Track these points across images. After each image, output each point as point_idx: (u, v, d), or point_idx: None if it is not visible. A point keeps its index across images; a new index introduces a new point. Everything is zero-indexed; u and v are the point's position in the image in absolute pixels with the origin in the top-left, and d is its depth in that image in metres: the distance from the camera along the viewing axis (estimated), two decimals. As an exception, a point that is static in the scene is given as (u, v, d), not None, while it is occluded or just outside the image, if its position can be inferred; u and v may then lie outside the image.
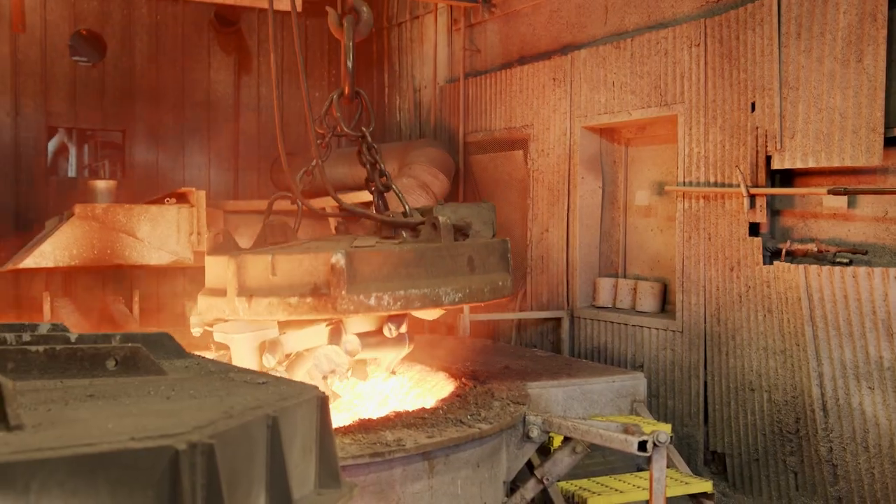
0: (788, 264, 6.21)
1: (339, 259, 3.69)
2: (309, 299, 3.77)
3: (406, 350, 5.30)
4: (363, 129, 4.97)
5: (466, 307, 8.20)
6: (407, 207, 4.36)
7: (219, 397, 1.97)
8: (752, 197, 6.58)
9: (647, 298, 7.92)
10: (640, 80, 7.68)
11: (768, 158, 6.49)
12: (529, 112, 9.11)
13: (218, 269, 4.37)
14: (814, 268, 5.90)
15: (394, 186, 4.82)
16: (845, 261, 6.03)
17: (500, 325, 9.40)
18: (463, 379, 5.91)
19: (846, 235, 6.20)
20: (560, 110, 8.66)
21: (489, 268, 4.34)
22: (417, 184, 9.51)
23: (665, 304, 7.95)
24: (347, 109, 5.39)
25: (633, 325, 7.79)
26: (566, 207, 8.60)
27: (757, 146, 6.56)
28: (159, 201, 8.42)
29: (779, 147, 6.35)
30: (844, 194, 6.02)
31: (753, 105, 6.59)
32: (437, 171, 9.68)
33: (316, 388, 2.25)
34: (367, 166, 5.08)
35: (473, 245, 4.31)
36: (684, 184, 7.20)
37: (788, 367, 6.29)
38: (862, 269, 5.57)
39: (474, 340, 8.07)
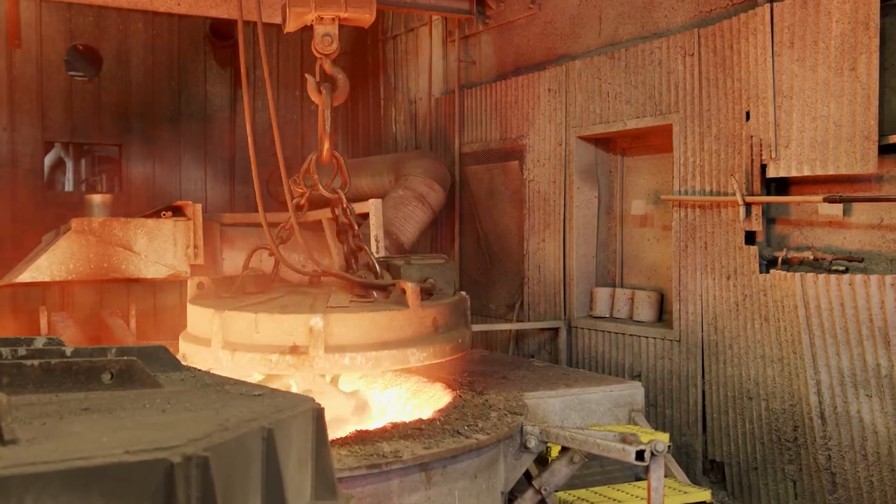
0: (785, 272, 6.22)
1: (317, 322, 4.11)
2: (288, 357, 4.19)
3: None
4: (338, 189, 5.37)
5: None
6: (377, 269, 4.90)
7: (214, 410, 1.97)
8: (748, 205, 6.59)
9: (645, 308, 7.92)
10: (634, 89, 7.71)
11: (763, 167, 6.51)
12: (525, 123, 9.13)
13: (202, 318, 4.70)
14: (810, 276, 5.91)
15: (365, 247, 5.31)
16: (841, 268, 6.04)
17: (498, 335, 9.40)
18: (460, 390, 5.91)
19: (842, 243, 6.21)
20: (555, 121, 8.68)
21: (450, 326, 4.90)
22: (413, 195, 9.51)
23: (662, 313, 7.95)
24: (325, 170, 5.76)
25: (631, 335, 7.80)
26: (562, 217, 8.61)
27: (752, 155, 6.57)
28: (156, 215, 8.43)
29: (774, 155, 6.37)
30: (839, 202, 6.03)
31: (748, 114, 6.61)
32: (432, 182, 9.69)
33: (312, 399, 2.25)
34: (342, 227, 5.49)
35: (437, 307, 4.87)
36: (680, 193, 7.22)
37: (786, 375, 6.29)
38: (858, 277, 5.58)
39: (472, 351, 8.06)
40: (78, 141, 11.68)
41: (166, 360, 2.50)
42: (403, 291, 4.55)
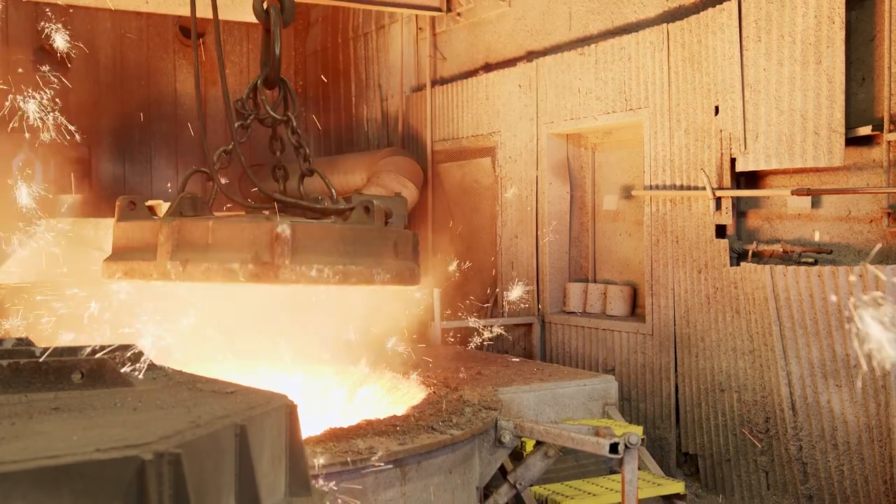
0: (755, 265, 6.27)
1: (284, 229, 3.67)
2: (251, 266, 3.65)
3: None
4: (289, 113, 4.83)
5: (437, 315, 8.21)
6: (333, 192, 4.38)
7: (186, 407, 1.96)
8: (718, 199, 6.65)
9: (617, 302, 7.96)
10: (604, 85, 7.74)
11: (733, 160, 6.56)
12: (496, 119, 9.15)
13: (138, 233, 4.14)
14: (780, 268, 5.97)
15: (317, 169, 4.72)
16: (810, 260, 6.11)
17: (472, 331, 9.41)
18: (434, 386, 5.91)
19: (811, 235, 6.28)
20: (526, 117, 8.70)
21: (406, 255, 4.52)
22: (386, 193, 9.50)
23: (635, 307, 8.00)
24: (270, 96, 5.26)
25: (604, 329, 7.84)
26: (535, 213, 8.63)
27: (721, 149, 6.63)
28: (126, 215, 8.35)
29: (743, 149, 6.42)
30: (807, 195, 6.10)
31: (717, 108, 6.66)
32: (405, 179, 9.69)
33: (285, 396, 2.25)
34: (294, 149, 4.93)
35: (398, 232, 4.49)
36: (651, 187, 7.26)
37: (757, 367, 6.35)
38: (827, 269, 5.65)
39: (446, 347, 8.08)
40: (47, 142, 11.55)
41: (137, 357, 2.49)
42: (367, 210, 4.09)
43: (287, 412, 2.17)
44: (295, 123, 4.93)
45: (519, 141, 8.84)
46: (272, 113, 4.87)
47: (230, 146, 4.76)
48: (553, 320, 8.46)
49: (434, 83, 10.27)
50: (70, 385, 2.09)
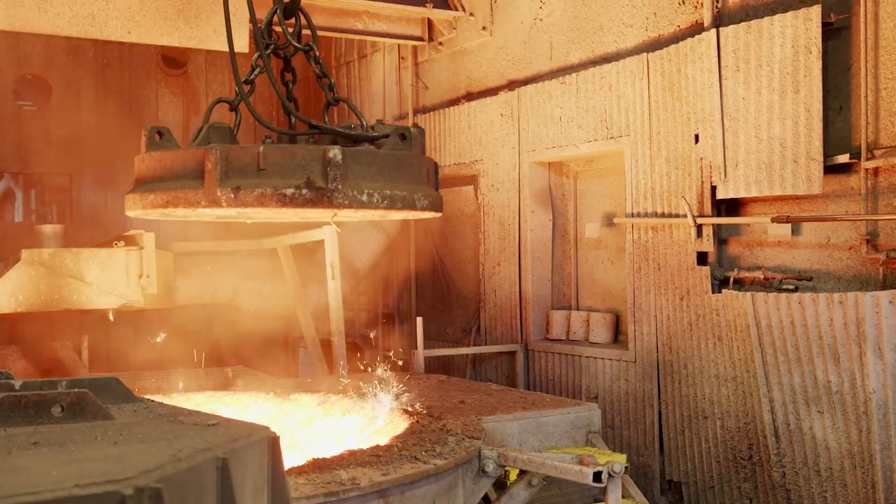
0: (736, 292, 6.30)
1: (336, 154, 3.64)
2: (305, 191, 3.58)
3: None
4: (311, 43, 4.65)
5: (420, 343, 8.21)
6: (363, 121, 4.30)
7: (167, 441, 1.95)
8: (699, 226, 6.69)
9: (600, 330, 7.98)
10: (586, 114, 7.80)
11: (713, 188, 6.61)
12: (478, 147, 9.19)
13: (174, 162, 3.85)
14: (760, 295, 6.00)
15: (343, 98, 4.63)
16: (791, 287, 6.14)
17: (455, 359, 9.40)
18: (417, 415, 5.89)
19: (791, 262, 6.32)
20: (509, 145, 8.75)
21: (434, 184, 4.47)
22: (369, 222, 9.51)
23: (618, 334, 8.01)
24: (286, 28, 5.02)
25: (587, 357, 7.84)
26: (517, 241, 8.66)
27: (702, 176, 6.68)
28: (108, 244, 8.33)
29: (723, 177, 6.47)
30: (787, 222, 6.14)
31: (697, 136, 6.71)
32: (388, 207, 9.71)
33: (267, 428, 2.23)
34: (317, 79, 4.73)
35: (429, 160, 4.43)
36: (632, 215, 7.30)
37: (740, 393, 6.36)
38: (807, 296, 5.68)
39: (429, 376, 8.06)
40: (27, 171, 11.52)
41: (119, 391, 2.47)
42: (403, 137, 4.06)
43: (269, 444, 2.16)
44: (317, 53, 4.67)
45: (501, 169, 8.87)
46: (294, 42, 4.64)
47: (253, 74, 4.49)
48: (536, 348, 8.46)
49: (416, 112, 10.31)
50: (50, 419, 2.07)
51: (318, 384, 7.17)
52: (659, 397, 7.10)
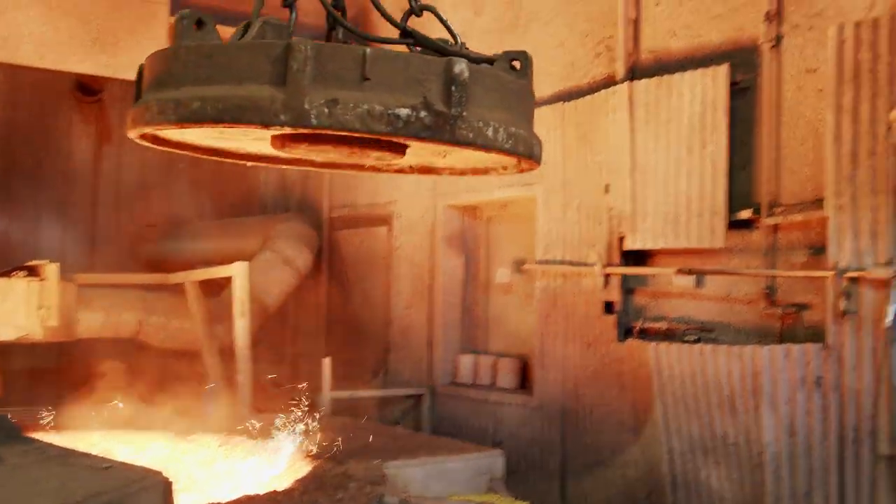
0: (640, 342, 6.39)
1: (462, 69, 2.52)
2: (424, 114, 2.43)
3: None
4: None
5: (327, 384, 8.11)
6: (458, 38, 2.74)
7: (60, 483, 1.88)
8: (607, 276, 6.77)
9: (507, 375, 7.99)
10: (500, 160, 7.86)
11: (622, 239, 6.71)
12: (394, 189, 9.19)
13: (240, 58, 2.39)
14: (663, 345, 6.09)
15: (429, 7, 2.57)
16: (693, 338, 6.25)
17: (363, 402, 9.30)
18: (321, 459, 5.80)
19: (695, 314, 6.43)
20: (424, 188, 8.77)
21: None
22: (280, 259, 9.42)
23: (525, 380, 8.03)
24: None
25: (493, 402, 7.84)
26: (429, 284, 8.65)
27: (611, 227, 6.78)
28: (7, 274, 8.05)
29: (631, 228, 6.58)
30: (691, 274, 6.26)
31: (608, 187, 6.82)
32: (301, 246, 9.62)
33: (160, 473, 2.17)
34: None
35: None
36: (543, 262, 7.36)
37: (641, 443, 6.42)
38: (708, 347, 5.78)
39: (335, 418, 7.95)
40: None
41: (9, 430, 2.37)
42: (513, 66, 2.87)
43: (163, 489, 2.11)
44: None
45: (415, 211, 8.88)
46: None
47: None
48: (443, 391, 8.43)
49: (333, 151, 10.27)
50: (-85, 460, 1.96)
51: (221, 424, 7.02)
52: (563, 444, 7.12)
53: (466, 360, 8.38)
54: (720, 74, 6.08)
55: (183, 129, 2.49)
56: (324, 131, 2.30)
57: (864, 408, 5.19)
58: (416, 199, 8.88)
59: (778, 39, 5.90)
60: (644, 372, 6.30)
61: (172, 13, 7.87)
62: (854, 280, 5.24)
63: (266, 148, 2.77)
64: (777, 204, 5.89)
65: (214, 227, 11.01)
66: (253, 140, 2.78)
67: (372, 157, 2.64)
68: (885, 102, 5.16)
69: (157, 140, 2.64)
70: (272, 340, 10.65)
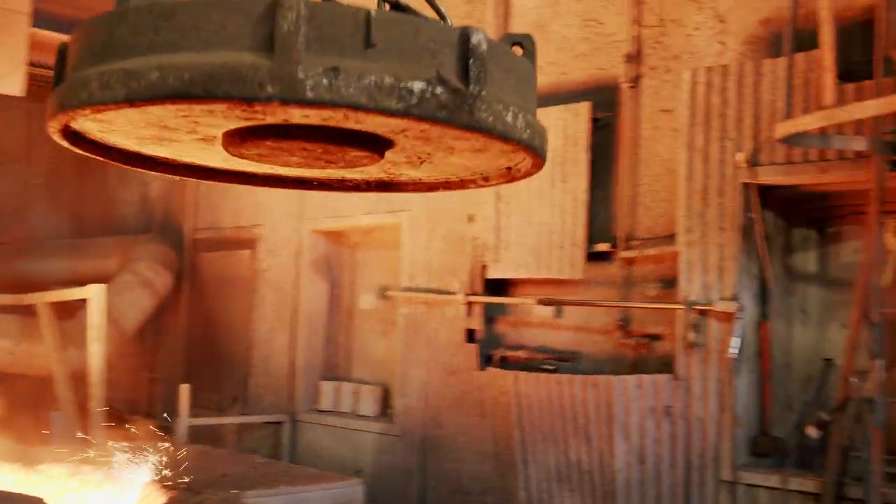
0: (500, 370, 6.48)
1: (480, 40, 2.01)
2: (440, 90, 1.93)
3: None
4: None
5: (184, 411, 7.91)
6: (446, 19, 2.17)
7: None
8: (470, 304, 6.85)
9: (369, 402, 7.97)
10: (367, 186, 7.86)
11: (485, 268, 6.81)
12: (259, 212, 9.08)
13: (212, 18, 1.83)
14: (522, 374, 6.20)
15: None
16: (552, 367, 6.38)
17: (222, 429, 9.10)
18: (176, 489, 5.65)
19: (554, 343, 6.57)
20: (290, 212, 8.69)
21: None
22: (139, 281, 9.16)
23: (386, 408, 8.03)
24: None
25: (354, 430, 7.80)
26: (293, 309, 8.56)
27: (475, 256, 6.87)
28: None
29: (494, 258, 6.69)
30: (550, 304, 6.40)
31: (472, 217, 6.91)
32: (160, 268, 9.39)
33: (41, 499, 2.07)
34: None
35: None
36: (407, 289, 7.39)
37: (500, 471, 6.50)
38: (564, 377, 5.92)
39: (192, 446, 7.75)
40: None
41: None
42: (521, 48, 2.40)
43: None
44: None
45: (281, 235, 8.79)
46: None
47: None
48: (304, 419, 8.34)
49: (197, 172, 10.06)
50: None
51: (72, 454, 6.75)
52: (424, 472, 7.14)
53: (328, 387, 8.32)
54: (582, 111, 6.27)
55: (126, 111, 1.88)
56: (312, 109, 1.81)
57: (709, 435, 5.41)
58: (281, 223, 8.79)
59: (636, 80, 6.14)
60: (504, 400, 6.39)
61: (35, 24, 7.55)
62: (702, 313, 5.47)
63: (209, 157, 2.28)
64: (633, 238, 6.10)
65: (71, 246, 10.60)
66: (196, 144, 2.17)
67: (347, 159, 2.14)
68: (732, 144, 5.43)
69: (76, 139, 2.12)
70: (129, 365, 10.31)
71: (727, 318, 5.41)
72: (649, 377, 5.63)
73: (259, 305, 8.96)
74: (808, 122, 4.71)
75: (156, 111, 1.86)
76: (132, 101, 1.72)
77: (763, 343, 5.55)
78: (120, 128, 2.09)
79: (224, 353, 9.50)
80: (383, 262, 8.33)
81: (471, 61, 1.98)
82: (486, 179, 2.47)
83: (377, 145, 2.10)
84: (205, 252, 9.87)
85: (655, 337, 5.97)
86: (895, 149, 4.86)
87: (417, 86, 1.85)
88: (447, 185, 2.60)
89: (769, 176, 5.35)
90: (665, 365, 5.75)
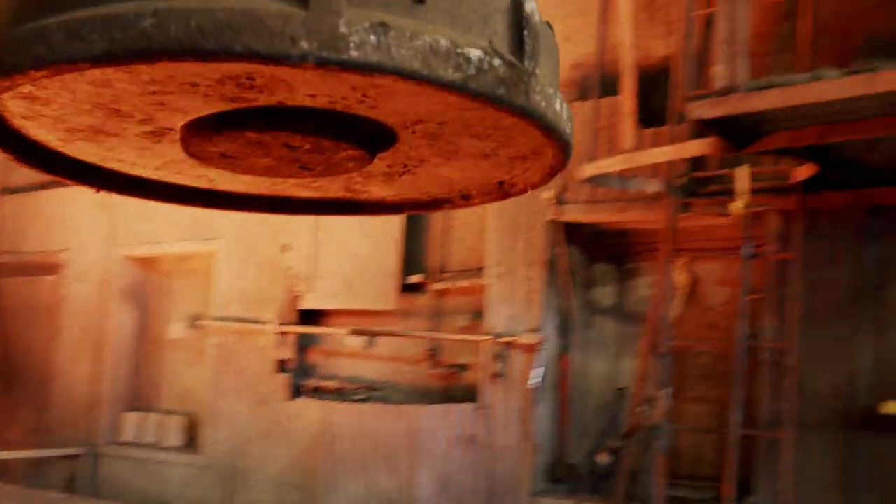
0: (310, 400, 6.45)
1: (534, 10, 1.73)
2: (497, 62, 1.55)
3: None
4: None
5: None
6: None
7: None
8: (282, 334, 6.80)
9: (175, 433, 7.72)
10: (181, 212, 7.70)
11: (299, 298, 6.78)
12: (67, 236, 8.70)
13: None
14: (331, 404, 6.19)
15: None
16: (362, 397, 6.40)
17: (13, 464, 8.58)
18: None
19: (365, 373, 6.60)
20: (100, 237, 8.37)
21: None
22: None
23: (194, 438, 7.80)
24: None
25: (158, 462, 7.53)
26: (98, 337, 8.22)
27: (289, 286, 6.83)
28: None
29: (308, 288, 6.67)
30: (363, 335, 6.44)
31: (287, 246, 6.88)
32: (-45, 291, 8.82)
33: None
34: None
35: None
36: (219, 318, 7.26)
37: (306, 501, 6.43)
38: (372, 406, 5.95)
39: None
40: None
41: None
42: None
43: None
44: None
45: (88, 261, 8.45)
46: None
47: None
48: (106, 451, 7.98)
49: (3, 191, 9.57)
50: None
51: None
52: (230, 505, 6.98)
53: (132, 418, 8.01)
54: (398, 144, 6.37)
55: (78, 85, 1.42)
56: (353, 74, 1.35)
57: (510, 463, 5.56)
58: (90, 249, 8.45)
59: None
60: (312, 430, 6.35)
61: None
62: (508, 344, 5.64)
63: (144, 161, 1.89)
64: (446, 270, 6.23)
65: None
66: (138, 141, 1.74)
67: (333, 161, 1.75)
68: (539, 182, 5.65)
69: (19, 142, 1.68)
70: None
71: (531, 349, 5.60)
72: (456, 406, 5.74)
73: (61, 333, 8.56)
74: (611, 165, 4.98)
75: (120, 84, 1.42)
76: (115, 58, 1.23)
77: (563, 373, 5.77)
78: (55, 111, 1.58)
79: (22, 383, 9.00)
80: (197, 291, 8.14)
81: (525, 32, 1.64)
82: (465, 198, 2.12)
83: (375, 144, 1.73)
84: (6, 277, 9.36)
85: (463, 367, 6.10)
86: (686, 192, 5.21)
87: (475, 54, 1.49)
88: (416, 206, 2.23)
89: (574, 213, 5.60)
90: (472, 394, 5.87)
